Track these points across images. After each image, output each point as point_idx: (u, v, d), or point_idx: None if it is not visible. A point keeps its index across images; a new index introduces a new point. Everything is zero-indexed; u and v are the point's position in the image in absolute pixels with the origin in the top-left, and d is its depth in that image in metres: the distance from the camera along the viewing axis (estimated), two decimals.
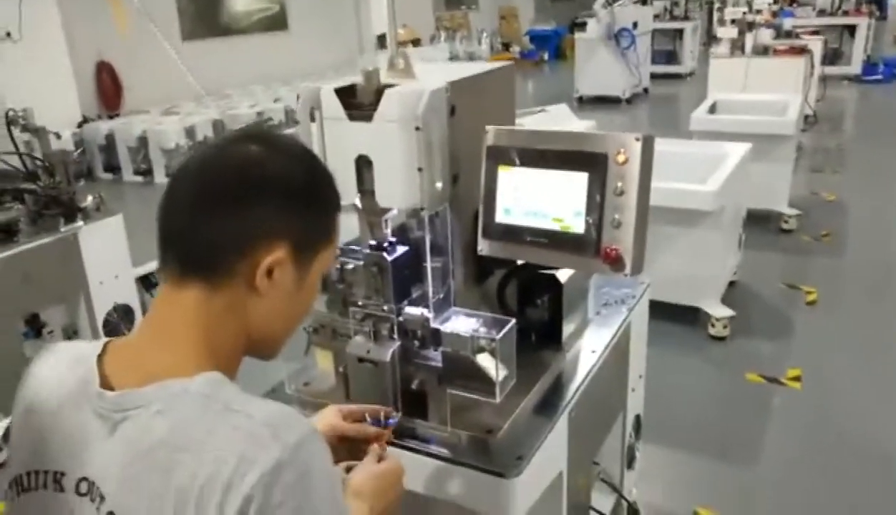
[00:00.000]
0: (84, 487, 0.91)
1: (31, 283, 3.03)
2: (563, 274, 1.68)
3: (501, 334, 1.37)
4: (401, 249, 1.48)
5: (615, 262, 1.43)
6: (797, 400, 3.37)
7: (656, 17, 12.00)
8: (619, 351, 1.90)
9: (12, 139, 3.18)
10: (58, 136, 3.49)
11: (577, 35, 11.01)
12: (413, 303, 1.50)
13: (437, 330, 1.44)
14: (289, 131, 1.37)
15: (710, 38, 10.70)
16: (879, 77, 11.12)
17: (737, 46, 6.71)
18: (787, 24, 7.44)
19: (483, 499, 1.42)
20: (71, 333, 3.33)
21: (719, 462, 2.98)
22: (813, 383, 3.46)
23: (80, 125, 8.17)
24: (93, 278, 3.25)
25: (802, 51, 6.61)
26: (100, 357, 0.97)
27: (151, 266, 3.68)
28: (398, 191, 1.42)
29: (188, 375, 0.90)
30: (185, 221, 0.95)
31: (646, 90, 11.28)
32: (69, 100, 7.98)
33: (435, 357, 1.46)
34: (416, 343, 1.47)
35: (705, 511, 2.68)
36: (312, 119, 1.48)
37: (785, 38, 7.00)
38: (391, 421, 1.31)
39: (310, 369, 1.70)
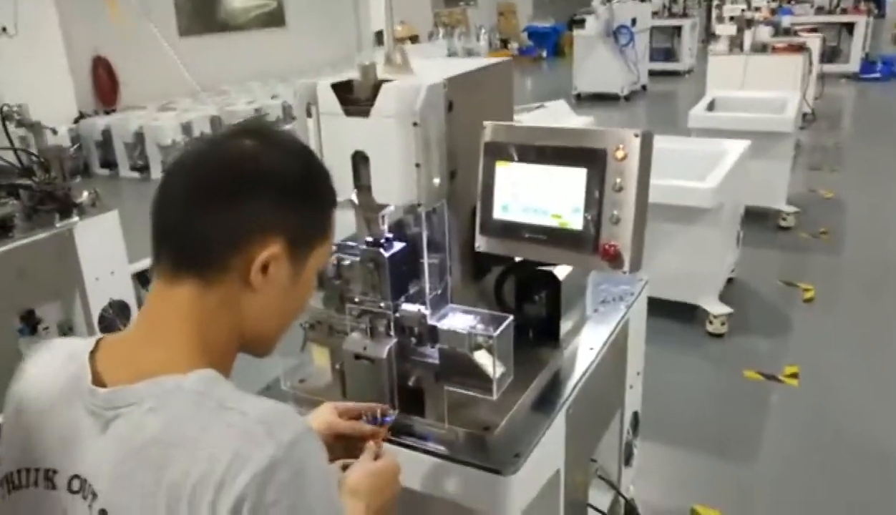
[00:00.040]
0: (76, 485, 0.90)
1: (26, 279, 3.02)
2: (562, 271, 1.67)
3: (499, 331, 1.36)
4: (398, 245, 1.47)
5: (614, 259, 1.42)
6: (795, 398, 3.37)
7: (655, 14, 11.99)
8: (617, 349, 1.89)
9: (7, 134, 3.18)
10: (54, 132, 3.48)
11: (576, 32, 11.00)
12: (410, 300, 1.49)
13: (434, 327, 1.43)
14: (286, 127, 1.36)
15: (709, 36, 10.68)
16: (877, 75, 11.12)
17: (735, 44, 6.71)
18: (786, 21, 7.45)
19: (480, 497, 1.41)
20: (66, 330, 3.32)
21: (717, 460, 2.98)
22: (810, 380, 3.46)
23: (76, 121, 8.15)
24: (88, 274, 3.24)
25: (801, 48, 6.61)
26: (92, 353, 0.96)
27: (147, 262, 3.62)
28: (395, 187, 1.41)
29: (182, 372, 0.90)
30: (179, 216, 0.94)
31: (644, 87, 11.27)
32: (65, 96, 7.97)
33: (432, 354, 1.46)
34: (413, 339, 1.46)
35: (703, 508, 2.67)
36: (309, 114, 1.47)
37: (783, 36, 7.01)
38: (388, 418, 1.30)
39: (306, 365, 1.69)
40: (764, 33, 6.65)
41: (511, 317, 1.40)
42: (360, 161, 1.43)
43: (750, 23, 6.69)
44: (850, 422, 3.14)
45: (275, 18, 11.70)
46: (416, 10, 13.43)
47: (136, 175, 7.90)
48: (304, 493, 0.84)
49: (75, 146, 7.08)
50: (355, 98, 1.42)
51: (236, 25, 11.05)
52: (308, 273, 1.03)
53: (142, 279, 3.66)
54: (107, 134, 8.06)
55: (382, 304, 1.46)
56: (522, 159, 1.49)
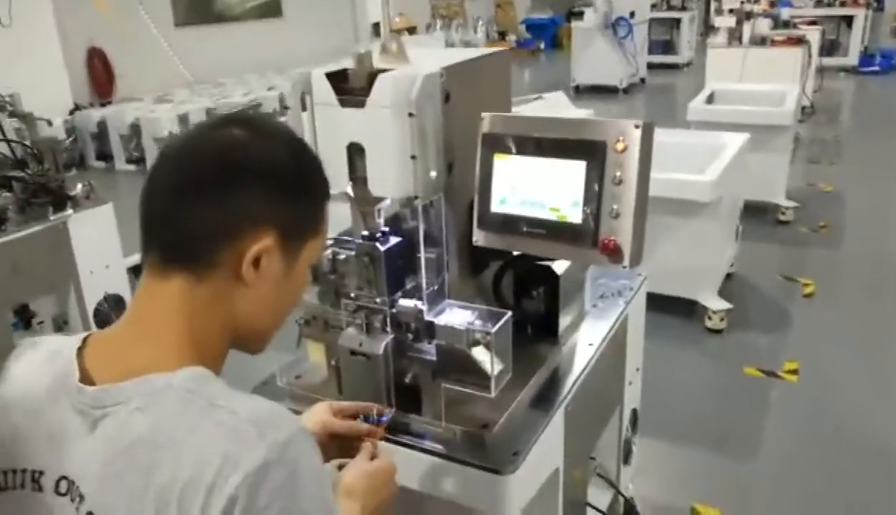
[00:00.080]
0: (63, 486, 0.88)
1: (19, 273, 2.99)
2: (560, 266, 1.65)
3: (497, 327, 1.34)
4: (394, 239, 1.44)
5: (613, 254, 1.40)
6: (794, 394, 3.35)
7: (653, 6, 11.96)
8: (616, 344, 1.87)
9: (0, 126, 3.14)
10: (49, 124, 3.46)
11: (574, 24, 10.98)
12: (406, 295, 1.47)
13: (431, 323, 1.41)
14: (282, 119, 1.33)
15: (708, 28, 10.66)
16: (876, 68, 11.10)
17: (734, 36, 6.68)
18: (785, 13, 7.42)
19: (478, 496, 1.39)
20: (61, 324, 3.30)
21: (716, 456, 2.96)
22: (810, 376, 3.44)
23: (71, 112, 8.11)
24: (83, 267, 3.22)
25: (800, 41, 6.58)
26: (80, 350, 0.93)
27: None
28: (391, 179, 1.39)
29: (171, 369, 0.87)
30: (167, 209, 0.91)
31: (643, 80, 11.24)
32: (60, 87, 7.92)
33: (429, 350, 1.44)
34: (410, 336, 1.44)
35: (702, 505, 2.66)
36: (304, 107, 1.44)
37: (782, 29, 6.97)
38: (384, 418, 1.28)
39: (301, 362, 1.67)
40: (763, 26, 6.62)
41: (509, 313, 1.38)
42: (355, 153, 1.41)
43: (749, 15, 6.66)
44: (850, 418, 3.13)
45: (272, 9, 11.63)
46: (414, 1, 13.38)
47: (132, 167, 7.84)
48: (298, 495, 0.82)
49: (70, 138, 7.05)
50: (350, 88, 1.40)
51: (233, 16, 10.99)
52: (301, 267, 1.00)
53: (137, 273, 3.60)
54: (102, 126, 8.02)
55: (378, 300, 1.44)
56: (521, 151, 1.47)
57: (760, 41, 6.56)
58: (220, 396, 0.86)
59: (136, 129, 7.83)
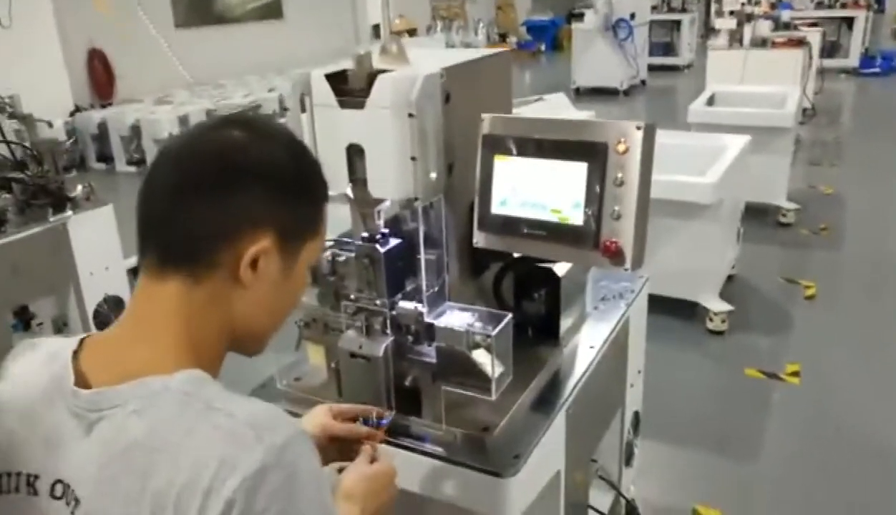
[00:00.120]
0: (59, 490, 0.87)
1: (19, 274, 2.99)
2: (561, 268, 1.64)
3: (497, 329, 1.33)
4: (394, 241, 1.44)
5: (615, 256, 1.39)
6: (796, 396, 3.34)
7: (654, 8, 11.97)
8: (617, 347, 1.86)
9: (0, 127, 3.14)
10: (49, 125, 3.45)
11: (575, 26, 10.99)
12: (406, 297, 1.46)
13: (431, 325, 1.40)
14: (282, 120, 1.33)
15: (708, 30, 10.67)
16: (877, 70, 11.11)
17: (735, 38, 6.68)
18: (786, 15, 7.42)
19: (479, 499, 1.38)
20: (61, 325, 3.29)
21: (718, 458, 2.95)
22: (812, 378, 3.43)
23: (72, 114, 8.10)
24: (83, 269, 3.22)
25: (801, 43, 6.58)
26: (76, 353, 0.93)
27: None
28: (391, 180, 1.38)
29: (168, 372, 0.86)
30: (165, 210, 0.91)
31: (643, 82, 11.25)
32: (61, 89, 7.91)
33: (429, 352, 1.43)
34: (410, 338, 1.44)
35: (704, 507, 2.65)
36: (303, 108, 1.43)
37: (783, 30, 6.97)
38: (384, 421, 1.27)
39: (301, 364, 1.66)
40: (763, 28, 6.61)
41: (510, 315, 1.37)
42: (354, 154, 1.40)
43: (749, 17, 6.65)
44: (851, 420, 3.12)
45: (272, 11, 11.63)
46: (415, 3, 13.39)
47: (132, 169, 7.83)
48: (296, 498, 0.81)
49: (70, 139, 7.04)
50: (350, 89, 1.39)
51: (233, 18, 10.99)
52: (300, 268, 1.00)
53: (137, 274, 3.63)
54: (103, 127, 8.01)
55: (378, 302, 1.43)
56: (521, 153, 1.46)
57: (761, 43, 6.55)
58: (218, 399, 0.85)
59: (136, 131, 7.83)
